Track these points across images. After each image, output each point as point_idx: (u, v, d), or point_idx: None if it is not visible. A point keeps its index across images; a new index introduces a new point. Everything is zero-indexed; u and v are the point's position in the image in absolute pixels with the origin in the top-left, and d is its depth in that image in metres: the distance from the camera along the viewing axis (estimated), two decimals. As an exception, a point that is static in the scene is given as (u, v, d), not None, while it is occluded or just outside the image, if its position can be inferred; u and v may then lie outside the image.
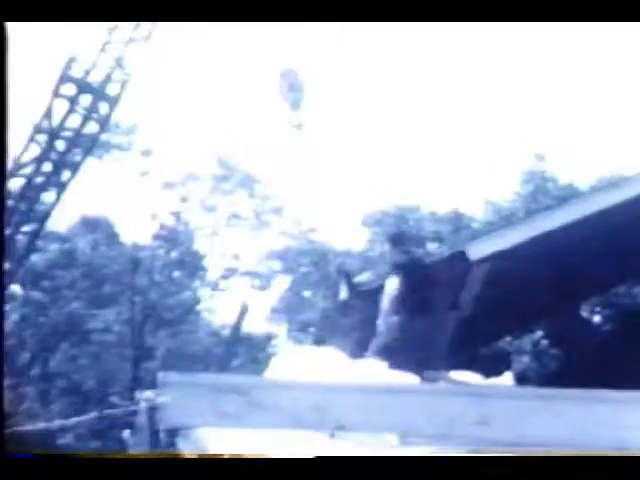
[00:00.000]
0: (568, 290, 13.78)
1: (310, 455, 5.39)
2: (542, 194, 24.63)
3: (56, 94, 19.42)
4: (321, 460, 5.36)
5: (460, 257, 10.20)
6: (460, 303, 10.90)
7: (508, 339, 19.11)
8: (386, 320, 9.90)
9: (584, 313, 19.14)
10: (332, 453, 5.69)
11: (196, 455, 5.65)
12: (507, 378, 9.75)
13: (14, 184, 19.69)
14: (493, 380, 9.51)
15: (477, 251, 10.29)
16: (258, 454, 5.44)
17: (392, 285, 10.05)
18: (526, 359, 18.60)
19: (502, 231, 11.08)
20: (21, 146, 19.59)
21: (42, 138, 19.57)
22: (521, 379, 13.55)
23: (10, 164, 19.72)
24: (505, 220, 22.65)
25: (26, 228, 20.14)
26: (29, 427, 6.25)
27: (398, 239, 10.09)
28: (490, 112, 35.93)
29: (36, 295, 26.15)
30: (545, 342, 18.96)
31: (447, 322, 11.66)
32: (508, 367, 16.35)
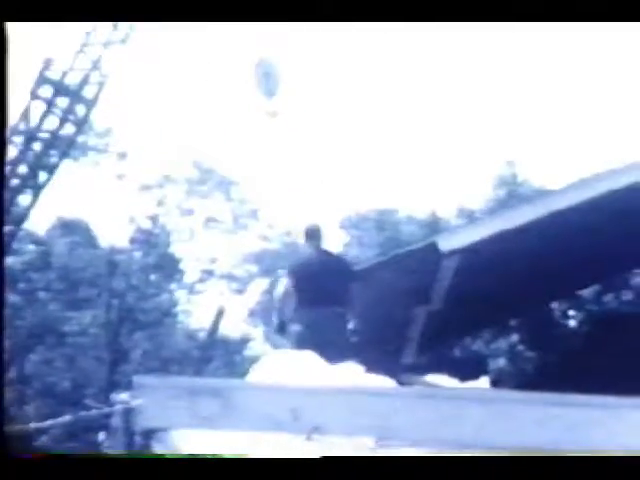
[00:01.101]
0: (540, 287, 13.59)
1: (310, 455, 5.40)
2: (515, 199, 24.75)
3: (33, 96, 19.37)
4: (321, 460, 5.37)
5: (431, 249, 9.96)
6: (430, 296, 10.74)
7: (483, 339, 19.17)
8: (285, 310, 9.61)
9: (557, 315, 19.22)
10: (308, 455, 5.70)
11: (195, 455, 5.65)
12: (483, 382, 9.78)
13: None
14: (469, 383, 9.53)
15: (448, 243, 10.06)
16: (257, 455, 5.45)
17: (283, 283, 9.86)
18: (502, 362, 18.67)
19: (474, 223, 10.85)
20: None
21: (19, 140, 19.51)
22: (496, 382, 13.50)
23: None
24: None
25: (1, 230, 20.04)
26: (5, 429, 6.20)
27: (313, 234, 9.86)
28: (464, 118, 36.03)
29: (12, 297, 26.05)
30: (521, 346, 19.05)
31: (417, 315, 11.55)
32: (484, 370, 16.35)
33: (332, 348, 8.35)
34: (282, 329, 9.75)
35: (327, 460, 5.39)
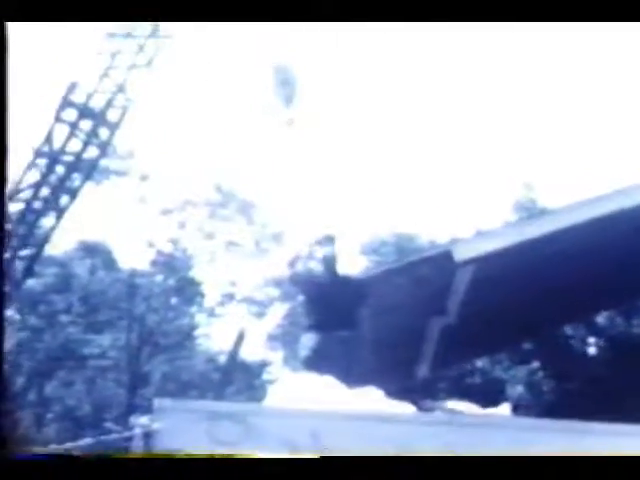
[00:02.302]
0: (557, 304, 13.05)
1: (310, 455, 5.40)
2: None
3: (57, 119, 19.48)
4: (321, 460, 5.37)
5: (445, 257, 9.56)
6: (445, 308, 10.47)
7: (502, 365, 19.05)
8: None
9: (577, 343, 19.07)
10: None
11: (196, 455, 5.64)
12: (504, 408, 9.74)
13: (13, 208, 19.71)
14: (490, 410, 9.49)
15: (463, 252, 9.63)
16: (257, 454, 5.45)
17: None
18: (521, 389, 18.56)
19: (490, 232, 10.35)
20: (21, 170, 19.64)
21: (42, 162, 19.62)
22: (516, 409, 13.33)
23: (10, 188, 19.76)
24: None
25: (24, 252, 20.14)
26: (24, 453, 6.20)
27: (328, 260, 9.77)
28: (484, 143, 35.99)
29: (32, 320, 26.12)
30: (540, 373, 18.95)
31: (432, 327, 11.32)
32: (504, 397, 16.24)
33: (340, 372, 8.33)
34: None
35: (327, 460, 5.38)
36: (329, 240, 10.04)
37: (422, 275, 9.75)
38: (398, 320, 10.57)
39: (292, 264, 10.38)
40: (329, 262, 9.82)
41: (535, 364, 19.05)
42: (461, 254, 9.54)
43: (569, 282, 11.63)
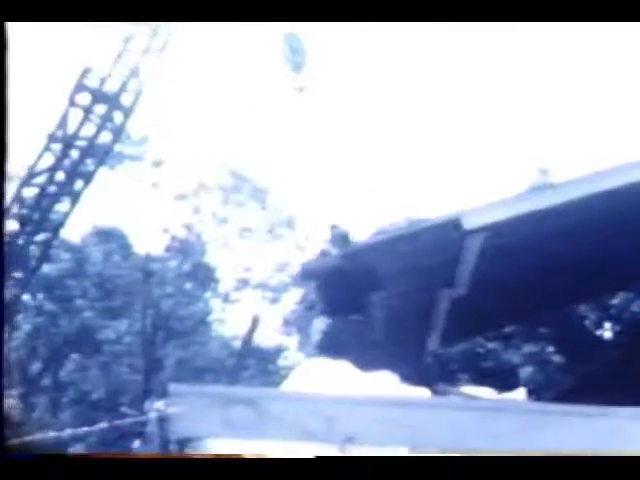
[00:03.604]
0: (569, 279, 12.30)
1: (310, 455, 5.39)
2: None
3: (71, 103, 19.49)
4: (321, 460, 5.36)
5: (453, 225, 9.16)
6: (454, 279, 10.14)
7: (516, 349, 18.97)
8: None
9: (591, 325, 18.96)
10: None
11: (196, 455, 5.65)
12: (519, 393, 9.71)
13: (28, 193, 19.74)
14: (505, 395, 9.47)
15: (472, 220, 9.21)
16: (258, 454, 5.45)
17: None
18: (536, 373, 18.51)
19: (501, 201, 9.64)
20: (36, 155, 19.66)
21: (57, 147, 19.64)
22: (532, 393, 13.22)
23: (24, 173, 19.79)
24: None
25: (39, 237, 20.18)
26: (40, 436, 6.23)
27: (340, 239, 9.60)
28: (494, 127, 35.84)
29: (48, 305, 26.20)
30: (556, 357, 18.89)
31: (441, 299, 10.91)
32: (518, 381, 16.19)
33: (354, 356, 8.30)
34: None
35: (326, 460, 5.37)
36: (342, 238, 9.95)
37: (430, 243, 9.46)
38: (407, 290, 10.26)
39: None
40: (340, 238, 9.70)
41: (550, 348, 19.00)
42: (470, 222, 9.21)
43: (583, 256, 11.19)
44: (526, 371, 18.58)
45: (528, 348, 18.91)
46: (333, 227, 9.96)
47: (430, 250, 9.59)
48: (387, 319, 9.73)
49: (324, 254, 10.07)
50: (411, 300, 10.54)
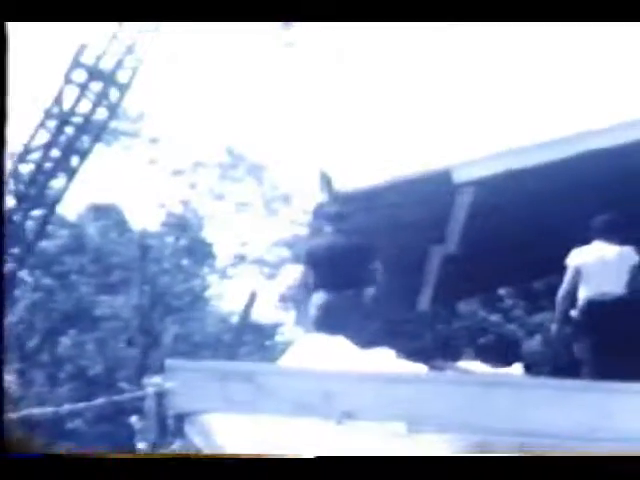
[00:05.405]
0: (563, 239, 12.12)
1: (310, 455, 5.39)
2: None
3: (67, 80, 19.46)
4: (321, 460, 5.36)
5: (443, 179, 8.83)
6: (445, 235, 9.87)
7: (517, 320, 18.88)
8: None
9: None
10: (339, 442, 5.70)
11: (196, 455, 5.66)
12: (516, 368, 9.73)
13: (24, 169, 19.74)
14: (502, 370, 9.48)
15: (463, 173, 8.86)
16: (258, 454, 5.45)
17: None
18: (535, 344, 18.46)
19: (494, 155, 9.22)
20: (31, 131, 19.64)
21: (52, 124, 19.62)
22: (530, 367, 13.11)
23: (20, 149, 19.76)
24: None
25: (36, 213, 20.19)
26: (38, 411, 6.26)
27: (326, 180, 9.26)
28: (489, 78, 35.52)
29: (46, 280, 26.23)
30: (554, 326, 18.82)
31: (432, 256, 10.62)
32: (517, 355, 16.16)
33: (351, 331, 8.29)
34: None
35: (325, 460, 5.38)
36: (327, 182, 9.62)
37: (418, 195, 9.16)
38: (395, 245, 9.98)
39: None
40: (326, 180, 9.47)
41: (548, 316, 18.93)
42: (460, 176, 8.92)
43: (579, 217, 10.80)
44: (527, 344, 18.50)
45: (532, 319, 18.81)
46: (322, 174, 9.67)
47: (420, 204, 9.28)
48: (382, 287, 9.54)
49: (317, 229, 9.97)
50: (399, 255, 10.24)
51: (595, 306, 9.11)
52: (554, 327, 9.59)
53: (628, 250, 9.23)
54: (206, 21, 6.33)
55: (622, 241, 9.26)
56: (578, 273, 9.20)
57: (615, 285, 9.14)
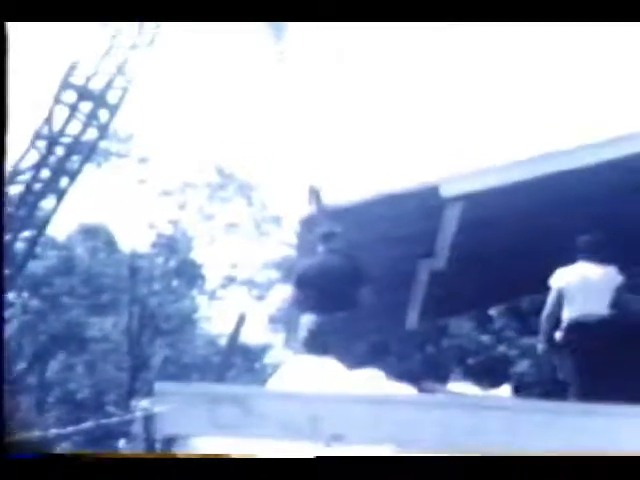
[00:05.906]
0: (555, 255, 11.96)
1: (310, 455, 5.38)
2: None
3: (57, 100, 19.44)
4: (321, 460, 5.35)
5: (432, 193, 8.85)
6: (433, 250, 9.90)
7: (506, 341, 18.88)
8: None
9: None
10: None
11: (196, 455, 5.64)
12: (505, 390, 9.72)
13: (13, 190, 19.69)
14: (491, 392, 9.47)
15: (451, 188, 8.90)
16: (258, 454, 5.44)
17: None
18: (525, 366, 18.43)
19: (482, 170, 9.24)
20: (21, 152, 19.62)
21: (42, 144, 19.60)
22: (519, 389, 13.06)
23: (9, 170, 19.73)
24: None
25: (25, 234, 20.13)
26: (25, 435, 6.21)
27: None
28: (478, 95, 35.53)
29: (34, 302, 26.14)
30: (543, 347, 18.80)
31: (420, 271, 10.62)
32: (507, 376, 16.13)
33: (340, 353, 8.27)
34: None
35: (325, 460, 5.37)
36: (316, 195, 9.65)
37: (406, 210, 9.20)
38: (384, 259, 9.90)
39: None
40: (315, 194, 9.46)
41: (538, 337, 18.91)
42: (449, 190, 8.95)
43: (566, 232, 10.67)
44: (518, 366, 18.49)
45: (523, 341, 18.78)
46: (310, 188, 9.69)
47: (406, 217, 9.32)
48: (371, 306, 9.51)
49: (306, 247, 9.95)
50: (392, 272, 10.19)
51: (579, 327, 9.13)
52: (540, 348, 9.60)
53: (612, 270, 9.26)
54: (206, 21, 6.34)
55: (606, 261, 9.27)
56: (561, 295, 9.22)
57: (599, 306, 9.17)
